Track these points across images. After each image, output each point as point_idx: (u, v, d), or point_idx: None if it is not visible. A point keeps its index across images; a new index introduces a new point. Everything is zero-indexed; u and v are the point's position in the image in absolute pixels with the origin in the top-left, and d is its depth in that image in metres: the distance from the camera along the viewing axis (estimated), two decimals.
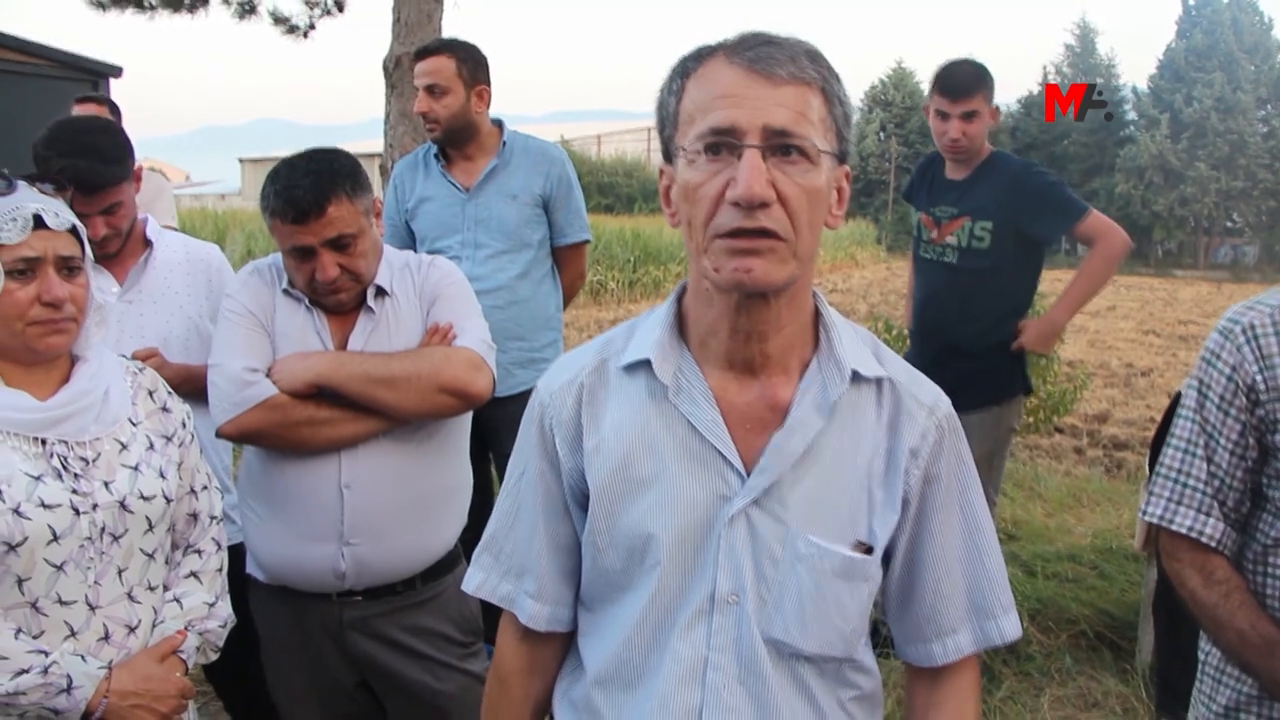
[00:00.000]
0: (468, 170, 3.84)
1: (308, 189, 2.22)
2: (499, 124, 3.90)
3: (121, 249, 2.62)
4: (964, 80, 3.84)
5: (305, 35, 8.83)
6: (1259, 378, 1.72)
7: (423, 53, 3.84)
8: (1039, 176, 3.93)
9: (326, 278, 2.27)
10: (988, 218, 3.87)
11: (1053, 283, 6.34)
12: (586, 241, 4.03)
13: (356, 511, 2.32)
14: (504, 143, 3.85)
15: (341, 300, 2.35)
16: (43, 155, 2.40)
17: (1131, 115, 43.99)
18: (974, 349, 3.89)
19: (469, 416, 2.53)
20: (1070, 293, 3.92)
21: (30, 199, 1.83)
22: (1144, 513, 1.84)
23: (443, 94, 3.74)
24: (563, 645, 1.57)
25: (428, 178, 3.89)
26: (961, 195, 3.95)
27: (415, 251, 3.71)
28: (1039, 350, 3.95)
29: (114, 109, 4.95)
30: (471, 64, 3.79)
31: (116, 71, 11.52)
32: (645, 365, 1.40)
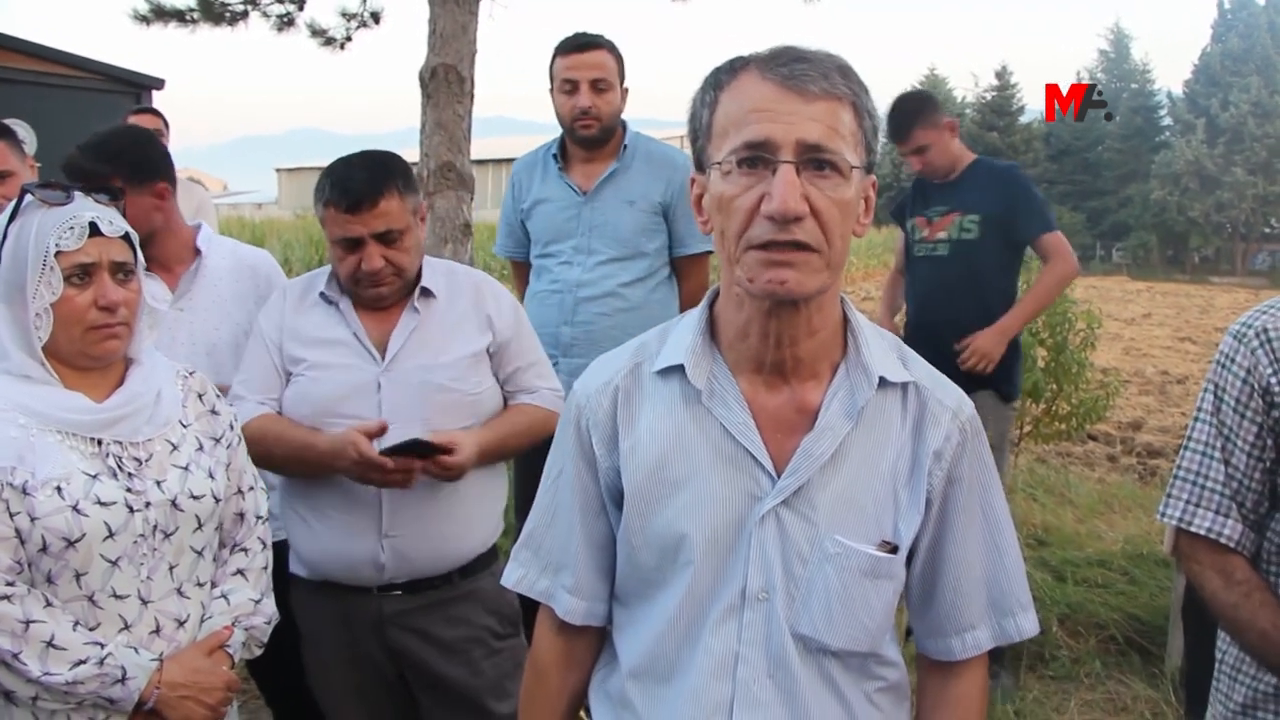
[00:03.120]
0: (587, 173, 3.67)
1: (363, 181, 2.32)
2: (623, 125, 3.73)
3: (169, 255, 2.70)
4: (894, 127, 4.19)
5: (342, 47, 8.88)
6: (1273, 380, 1.73)
7: (582, 45, 3.59)
8: (1026, 180, 4.25)
9: (372, 268, 2.35)
10: (976, 211, 4.14)
11: (1086, 289, 6.31)
12: (710, 252, 3.68)
13: (395, 504, 2.38)
14: (625, 145, 3.67)
15: (382, 294, 2.42)
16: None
17: (1167, 121, 43.56)
18: (962, 336, 4.05)
19: None
20: (1023, 305, 4.16)
21: (86, 208, 1.90)
22: (1162, 514, 1.85)
23: (607, 89, 3.57)
24: (598, 639, 1.61)
25: (545, 178, 3.72)
26: (952, 195, 4.23)
27: (529, 254, 3.72)
28: (986, 357, 4.02)
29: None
30: (622, 62, 3.64)
31: (159, 84, 11.67)
32: (679, 370, 1.44)
